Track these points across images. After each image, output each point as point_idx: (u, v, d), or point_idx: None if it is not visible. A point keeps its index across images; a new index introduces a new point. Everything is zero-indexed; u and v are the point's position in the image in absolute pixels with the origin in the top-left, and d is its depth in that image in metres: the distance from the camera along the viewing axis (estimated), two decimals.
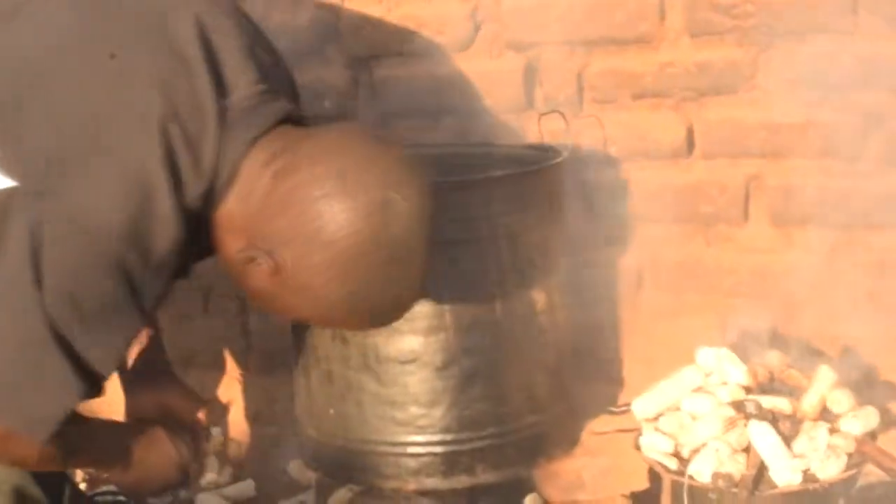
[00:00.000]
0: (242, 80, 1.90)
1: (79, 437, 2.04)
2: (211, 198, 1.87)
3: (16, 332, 1.82)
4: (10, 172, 1.81)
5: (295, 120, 1.96)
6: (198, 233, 1.90)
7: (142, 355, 2.39)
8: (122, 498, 2.81)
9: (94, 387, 1.88)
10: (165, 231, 1.82)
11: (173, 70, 1.85)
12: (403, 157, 1.89)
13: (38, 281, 1.77)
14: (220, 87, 1.87)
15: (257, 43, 2.00)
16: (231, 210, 1.88)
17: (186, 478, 2.27)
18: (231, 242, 1.89)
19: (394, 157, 1.87)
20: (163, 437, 2.22)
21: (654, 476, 2.42)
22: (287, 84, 2.12)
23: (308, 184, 1.81)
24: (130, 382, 2.38)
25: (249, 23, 2.05)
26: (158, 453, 2.20)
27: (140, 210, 1.79)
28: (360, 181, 1.81)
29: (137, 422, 2.30)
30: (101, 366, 1.86)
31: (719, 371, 2.42)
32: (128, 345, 1.95)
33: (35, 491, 2.30)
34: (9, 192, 1.80)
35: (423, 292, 1.96)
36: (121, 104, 1.83)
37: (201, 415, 2.38)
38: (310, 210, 1.80)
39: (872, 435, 2.33)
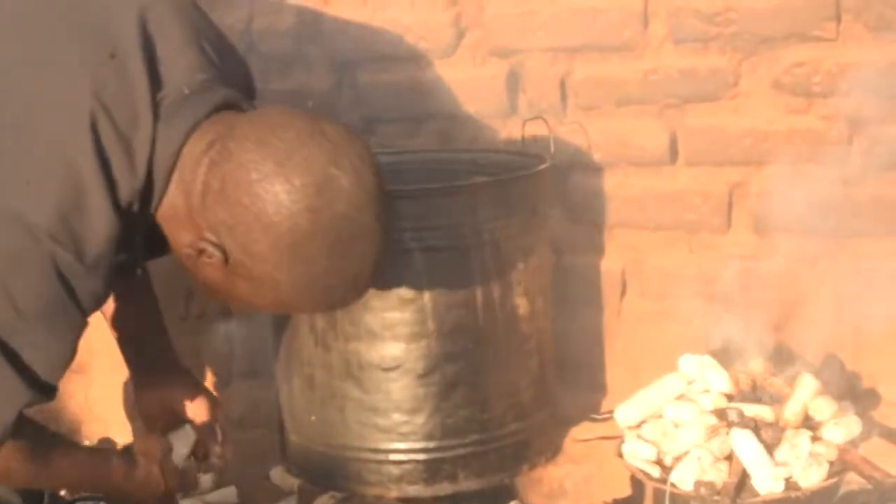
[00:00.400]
0: (180, 72, 1.87)
1: (53, 459, 2.02)
2: (150, 194, 1.84)
3: None
4: None
5: (238, 108, 1.92)
6: (141, 230, 1.87)
7: (148, 350, 2.36)
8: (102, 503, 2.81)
9: (42, 392, 1.85)
10: (99, 228, 1.79)
11: (105, 65, 1.82)
12: (345, 132, 1.83)
13: None
14: (155, 80, 1.84)
15: (204, 36, 1.97)
16: (175, 203, 1.85)
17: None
18: (180, 237, 1.86)
19: (334, 134, 1.81)
20: (144, 467, 2.17)
21: (637, 484, 2.42)
22: (240, 78, 2.09)
23: (245, 168, 1.77)
24: (138, 378, 2.36)
25: (200, 16, 2.02)
26: (138, 484, 2.16)
27: (71, 206, 1.76)
28: (298, 161, 1.76)
29: (121, 450, 2.25)
30: (46, 370, 1.84)
31: (702, 379, 2.43)
32: (73, 347, 1.88)
33: (14, 499, 2.29)
34: None
35: (381, 270, 1.88)
36: (49, 99, 1.81)
37: (209, 411, 2.33)
38: (248, 194, 1.76)
39: (854, 443, 2.33)
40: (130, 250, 1.89)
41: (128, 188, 1.81)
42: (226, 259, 1.81)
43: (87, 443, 3.18)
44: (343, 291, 1.87)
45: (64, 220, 1.76)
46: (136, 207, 1.83)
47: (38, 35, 1.87)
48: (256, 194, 1.75)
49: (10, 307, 1.77)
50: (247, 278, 1.83)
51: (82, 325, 1.88)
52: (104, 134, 1.78)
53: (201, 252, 1.83)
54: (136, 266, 1.97)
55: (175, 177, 1.84)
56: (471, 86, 2.88)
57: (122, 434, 3.22)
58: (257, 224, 1.76)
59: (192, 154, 1.83)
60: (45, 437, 2.05)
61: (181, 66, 1.88)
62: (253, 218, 1.76)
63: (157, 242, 1.92)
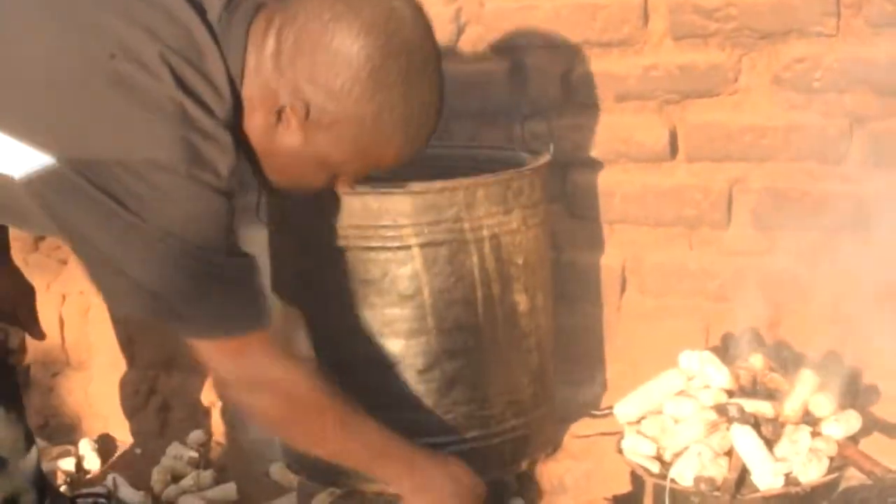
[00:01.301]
0: None
1: (359, 417, 2.10)
2: (239, 110, 1.93)
3: (184, 272, 1.89)
4: (42, 146, 1.83)
5: None
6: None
7: None
8: (102, 500, 2.81)
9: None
10: (219, 146, 1.86)
11: (152, 12, 1.89)
12: None
13: (169, 229, 1.85)
14: (199, 9, 1.92)
15: None
16: (250, 94, 1.93)
17: None
18: (257, 121, 1.95)
19: None
20: (464, 472, 2.19)
21: (637, 479, 2.42)
22: None
23: (316, 14, 1.89)
24: None
25: None
26: (455, 486, 2.18)
27: (189, 133, 1.83)
28: None
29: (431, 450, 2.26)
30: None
31: (702, 374, 2.42)
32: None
33: (29, 498, 2.29)
34: (52, 169, 1.83)
35: (443, 103, 2.02)
36: (121, 54, 1.85)
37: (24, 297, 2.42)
38: (325, 33, 1.88)
39: (854, 439, 2.33)
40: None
41: (222, 113, 1.88)
42: (306, 110, 1.91)
43: (86, 439, 3.18)
44: (420, 120, 1.98)
45: (190, 147, 1.83)
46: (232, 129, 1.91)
47: (78, 7, 1.92)
48: (334, 30, 1.88)
49: (205, 236, 1.89)
50: (329, 126, 1.93)
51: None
52: (180, 69, 1.85)
53: (279, 116, 1.92)
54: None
55: (245, 79, 1.93)
56: (471, 81, 2.88)
57: (122, 430, 3.23)
58: (338, 58, 1.88)
59: (256, 42, 1.93)
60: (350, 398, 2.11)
61: None
62: (333, 54, 1.88)
63: None
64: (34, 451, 2.47)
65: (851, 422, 2.33)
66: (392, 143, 1.99)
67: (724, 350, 2.55)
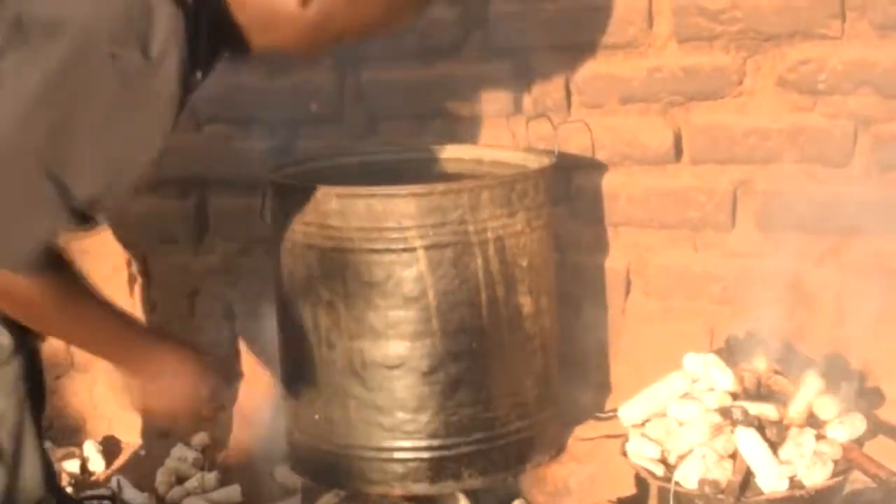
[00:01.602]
0: None
1: (85, 302, 1.95)
2: None
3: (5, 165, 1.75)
4: None
5: None
6: (205, 36, 1.86)
7: None
8: (107, 502, 2.82)
9: (80, 220, 1.81)
10: (163, 21, 1.75)
11: None
12: None
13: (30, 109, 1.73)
14: None
15: None
16: None
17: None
18: None
19: None
20: (193, 361, 2.09)
21: (641, 482, 2.43)
22: None
23: None
24: None
25: None
26: (181, 373, 2.07)
27: (137, 5, 1.73)
28: None
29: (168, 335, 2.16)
30: (87, 192, 1.78)
31: (706, 377, 2.42)
32: (140, 161, 1.82)
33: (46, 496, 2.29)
34: None
35: None
36: None
37: None
38: None
39: (859, 442, 2.33)
40: (197, 62, 1.86)
41: None
42: None
43: (90, 441, 3.19)
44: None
45: (129, 20, 1.73)
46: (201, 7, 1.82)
47: None
48: None
49: (60, 120, 1.74)
50: None
51: (157, 130, 1.82)
52: None
53: None
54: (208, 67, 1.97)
55: None
56: (475, 83, 2.88)
57: (126, 432, 3.23)
58: None
59: None
60: (80, 281, 1.96)
61: None
62: None
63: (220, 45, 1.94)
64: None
65: (856, 425, 2.33)
66: (402, 17, 2.00)
67: (729, 352, 2.55)
